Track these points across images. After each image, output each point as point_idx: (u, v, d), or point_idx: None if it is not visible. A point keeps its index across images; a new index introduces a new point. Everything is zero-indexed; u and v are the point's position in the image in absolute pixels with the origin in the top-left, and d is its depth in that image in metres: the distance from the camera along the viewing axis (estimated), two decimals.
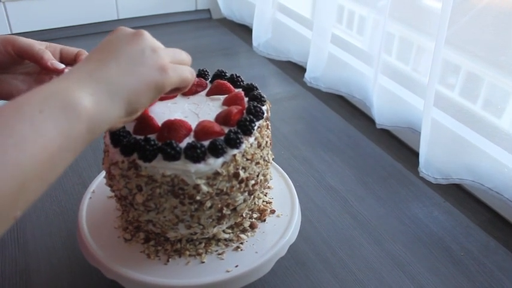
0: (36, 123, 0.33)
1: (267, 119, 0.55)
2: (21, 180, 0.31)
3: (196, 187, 0.47)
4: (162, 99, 0.55)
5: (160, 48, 0.43)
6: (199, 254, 0.54)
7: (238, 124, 0.50)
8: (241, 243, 0.55)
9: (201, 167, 0.46)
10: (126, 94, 0.39)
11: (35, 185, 0.33)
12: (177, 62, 0.44)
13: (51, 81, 0.37)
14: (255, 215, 0.59)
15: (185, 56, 0.47)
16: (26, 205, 0.33)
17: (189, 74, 0.45)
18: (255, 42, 1.29)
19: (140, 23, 1.44)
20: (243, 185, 0.50)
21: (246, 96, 0.56)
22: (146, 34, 0.43)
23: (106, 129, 0.39)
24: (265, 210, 0.60)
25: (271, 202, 0.62)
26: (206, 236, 0.55)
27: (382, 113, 0.93)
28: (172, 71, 0.42)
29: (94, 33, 1.38)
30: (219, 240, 0.56)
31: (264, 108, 0.54)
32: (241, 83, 0.59)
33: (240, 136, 0.48)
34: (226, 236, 0.56)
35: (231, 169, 0.48)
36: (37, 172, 0.32)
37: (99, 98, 0.37)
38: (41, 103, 0.34)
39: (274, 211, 0.60)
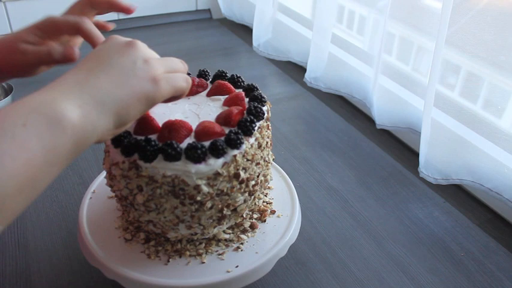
0: (19, 137, 0.31)
1: (267, 119, 0.55)
2: (0, 197, 0.30)
3: (197, 187, 0.47)
4: None
5: (153, 59, 0.41)
6: (200, 254, 0.54)
7: (238, 124, 0.50)
8: (242, 243, 0.56)
9: (201, 167, 0.46)
10: (115, 106, 0.37)
11: (16, 202, 0.31)
12: (171, 71, 0.43)
13: (37, 91, 0.35)
14: (255, 216, 0.59)
15: (180, 65, 0.45)
16: (7, 222, 0.31)
17: (183, 82, 0.43)
18: (255, 42, 1.29)
19: (140, 23, 1.44)
20: (243, 185, 0.50)
21: (246, 97, 0.56)
22: (139, 44, 0.42)
23: (93, 142, 0.37)
24: (266, 210, 0.60)
25: (271, 202, 0.62)
26: (206, 237, 0.55)
27: (382, 113, 0.93)
28: (164, 82, 0.41)
29: None
30: (219, 240, 0.56)
31: (264, 108, 0.54)
32: (242, 84, 0.60)
33: (240, 137, 0.48)
34: (227, 236, 0.56)
35: (232, 170, 0.48)
36: (18, 188, 0.31)
37: (87, 110, 0.36)
38: (24, 116, 0.32)
39: (275, 211, 0.60)
